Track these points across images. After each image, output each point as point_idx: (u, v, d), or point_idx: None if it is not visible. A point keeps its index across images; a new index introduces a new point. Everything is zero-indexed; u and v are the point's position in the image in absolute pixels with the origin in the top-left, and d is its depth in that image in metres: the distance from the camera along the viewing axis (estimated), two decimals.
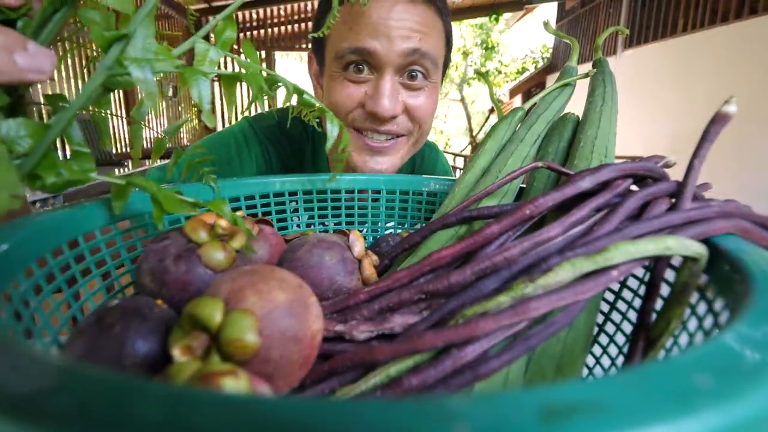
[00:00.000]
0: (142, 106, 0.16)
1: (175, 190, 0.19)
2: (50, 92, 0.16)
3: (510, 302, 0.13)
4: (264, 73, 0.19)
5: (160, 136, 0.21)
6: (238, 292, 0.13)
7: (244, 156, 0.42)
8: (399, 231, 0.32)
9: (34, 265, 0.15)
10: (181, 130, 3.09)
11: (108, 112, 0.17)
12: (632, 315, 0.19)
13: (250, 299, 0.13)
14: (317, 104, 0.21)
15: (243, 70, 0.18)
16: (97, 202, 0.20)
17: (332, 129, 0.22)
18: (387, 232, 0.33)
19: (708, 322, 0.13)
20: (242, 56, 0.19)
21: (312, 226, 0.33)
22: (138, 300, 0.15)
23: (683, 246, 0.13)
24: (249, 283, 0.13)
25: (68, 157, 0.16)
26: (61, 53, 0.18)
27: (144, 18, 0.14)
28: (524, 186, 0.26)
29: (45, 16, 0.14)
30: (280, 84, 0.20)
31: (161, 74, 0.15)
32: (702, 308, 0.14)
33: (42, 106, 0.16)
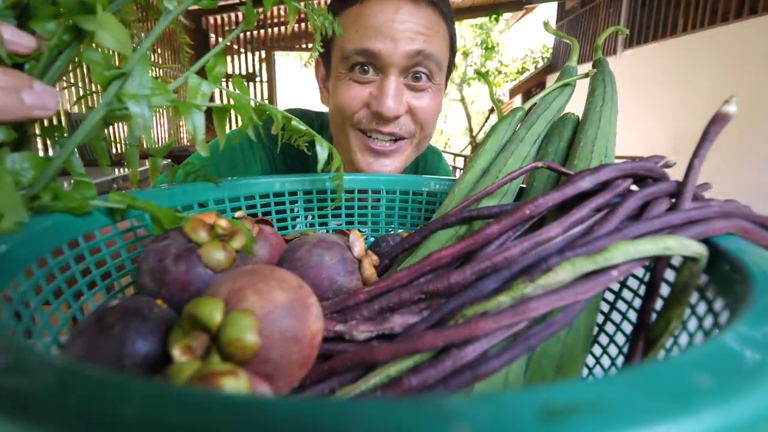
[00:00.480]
0: (135, 131, 0.17)
1: (176, 188, 0.19)
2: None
3: (510, 302, 0.13)
4: (253, 103, 0.20)
5: (158, 143, 0.21)
6: (238, 292, 0.13)
7: (248, 158, 0.42)
8: (399, 231, 0.32)
9: (34, 265, 0.15)
10: (182, 131, 3.10)
11: (104, 139, 0.18)
12: (632, 315, 0.19)
13: (250, 299, 0.13)
14: (304, 129, 0.22)
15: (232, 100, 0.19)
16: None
17: (322, 152, 0.23)
18: (387, 231, 0.33)
19: (708, 322, 0.13)
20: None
21: (312, 226, 0.33)
22: (138, 300, 0.15)
23: (683, 246, 0.13)
24: (249, 283, 0.13)
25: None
26: (66, 85, 0.20)
27: (140, 58, 0.16)
28: (524, 186, 0.26)
29: (51, 57, 0.16)
30: (268, 113, 0.21)
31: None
32: (702, 308, 0.14)
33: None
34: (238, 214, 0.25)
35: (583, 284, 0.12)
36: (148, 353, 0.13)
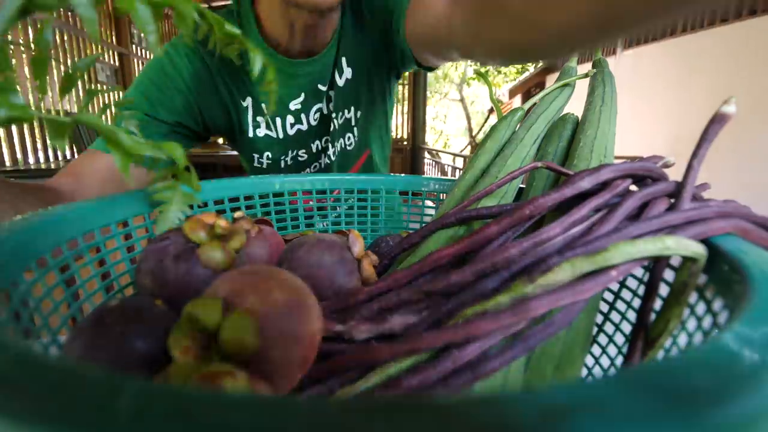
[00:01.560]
0: (47, 32, 0.14)
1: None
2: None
3: (510, 302, 0.13)
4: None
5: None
6: (238, 292, 0.13)
7: (177, 63, 0.39)
8: (398, 231, 0.32)
9: (33, 265, 0.15)
10: None
11: (49, 54, 0.15)
12: (631, 315, 0.19)
13: (250, 299, 0.13)
14: (238, 33, 0.19)
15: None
16: (96, 202, 0.20)
17: (257, 62, 0.20)
18: (386, 231, 0.33)
19: (707, 322, 0.13)
20: None
21: (312, 227, 0.33)
22: (138, 300, 0.15)
23: (682, 246, 0.13)
24: (248, 283, 0.13)
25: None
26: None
27: None
28: (524, 186, 0.26)
29: None
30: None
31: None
32: (701, 308, 0.14)
33: None
34: (237, 214, 0.25)
35: (582, 284, 0.12)
36: (147, 353, 0.13)
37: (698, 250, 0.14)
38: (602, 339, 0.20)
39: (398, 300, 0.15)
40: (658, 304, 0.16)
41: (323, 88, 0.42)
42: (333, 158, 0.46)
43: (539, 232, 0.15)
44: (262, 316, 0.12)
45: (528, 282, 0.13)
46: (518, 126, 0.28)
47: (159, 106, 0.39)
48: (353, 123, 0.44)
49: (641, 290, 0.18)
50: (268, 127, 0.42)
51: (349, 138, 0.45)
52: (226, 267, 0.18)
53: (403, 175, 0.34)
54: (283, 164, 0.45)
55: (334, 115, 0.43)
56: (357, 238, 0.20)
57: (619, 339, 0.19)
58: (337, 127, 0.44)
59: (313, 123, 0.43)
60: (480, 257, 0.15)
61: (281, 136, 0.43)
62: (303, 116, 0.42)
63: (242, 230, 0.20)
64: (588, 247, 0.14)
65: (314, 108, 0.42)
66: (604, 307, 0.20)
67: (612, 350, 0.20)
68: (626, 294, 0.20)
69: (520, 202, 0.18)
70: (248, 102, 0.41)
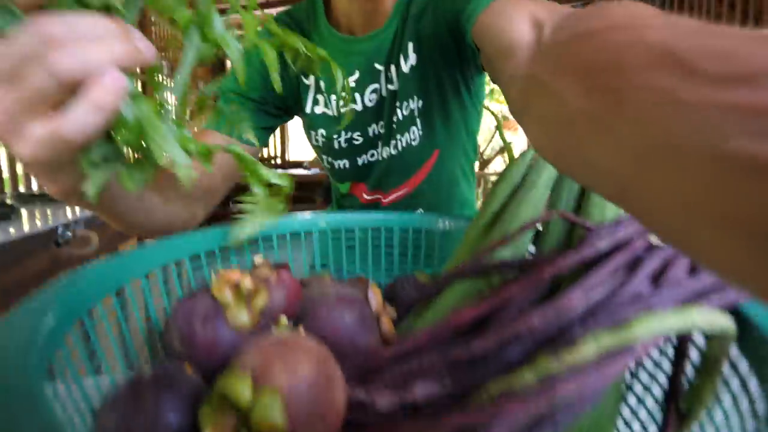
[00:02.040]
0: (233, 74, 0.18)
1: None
2: None
3: (535, 380, 0.13)
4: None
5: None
6: (266, 366, 0.13)
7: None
8: (414, 272, 0.32)
9: (85, 317, 0.16)
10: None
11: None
12: (660, 375, 0.18)
13: (278, 374, 0.13)
14: (323, 53, 0.23)
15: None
16: (132, 253, 0.21)
17: (340, 78, 0.24)
18: (402, 271, 0.34)
19: (744, 404, 0.12)
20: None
21: (326, 266, 0.34)
22: (169, 369, 0.15)
23: (709, 322, 0.13)
24: (276, 355, 0.14)
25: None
26: None
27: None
28: (539, 229, 0.26)
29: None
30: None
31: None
32: (735, 383, 0.13)
33: None
34: (258, 261, 0.26)
35: (608, 363, 0.12)
36: (180, 426, 0.14)
37: (726, 325, 0.13)
38: (631, 399, 0.20)
39: (420, 367, 0.15)
40: (689, 363, 0.15)
41: (380, 67, 0.39)
42: (394, 152, 0.42)
43: (561, 299, 0.15)
44: (290, 393, 0.13)
45: (553, 358, 0.13)
46: (530, 166, 0.28)
47: (245, 83, 0.40)
48: (416, 114, 0.40)
49: (670, 351, 0.18)
50: (325, 105, 0.42)
51: (413, 132, 0.40)
52: (251, 328, 0.18)
53: (416, 213, 0.35)
54: (336, 145, 0.43)
55: (398, 104, 0.40)
56: (375, 293, 0.21)
57: (650, 402, 0.19)
58: (401, 118, 0.40)
59: (369, 104, 0.40)
60: (501, 323, 0.15)
61: (335, 114, 0.42)
62: (357, 95, 0.41)
63: (264, 287, 0.20)
64: (611, 316, 0.14)
65: (370, 88, 0.40)
66: (632, 365, 0.20)
67: (642, 414, 0.19)
68: (654, 353, 0.19)
69: (539, 259, 0.18)
70: (311, 80, 0.41)
